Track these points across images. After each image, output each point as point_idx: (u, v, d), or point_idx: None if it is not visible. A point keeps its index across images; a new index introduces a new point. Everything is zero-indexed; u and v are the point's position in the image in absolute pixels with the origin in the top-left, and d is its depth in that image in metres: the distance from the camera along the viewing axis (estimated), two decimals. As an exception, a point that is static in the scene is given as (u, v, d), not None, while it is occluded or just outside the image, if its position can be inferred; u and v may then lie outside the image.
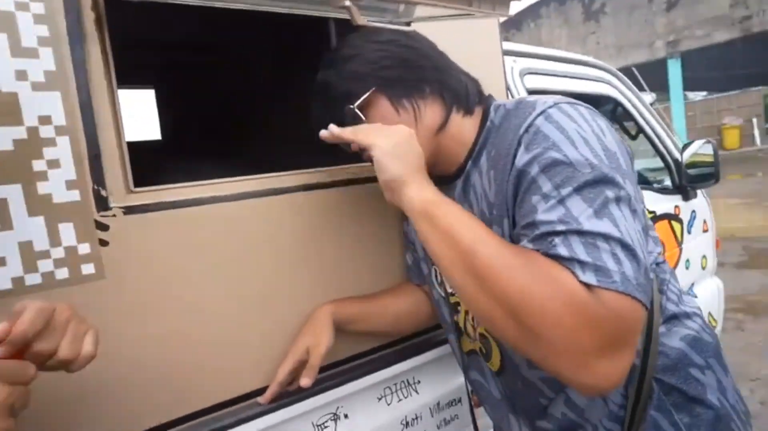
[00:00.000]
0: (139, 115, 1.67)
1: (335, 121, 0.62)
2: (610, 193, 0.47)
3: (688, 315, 0.62)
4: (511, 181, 0.53)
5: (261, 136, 1.66)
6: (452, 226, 0.50)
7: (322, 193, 0.73)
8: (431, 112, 0.60)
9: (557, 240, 0.46)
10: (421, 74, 0.60)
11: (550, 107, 0.52)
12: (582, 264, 0.44)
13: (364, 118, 0.60)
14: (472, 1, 0.50)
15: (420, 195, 0.54)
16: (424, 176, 0.56)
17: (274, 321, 0.69)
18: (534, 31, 14.31)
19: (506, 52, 1.02)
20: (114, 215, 0.57)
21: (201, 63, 1.73)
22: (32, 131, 0.52)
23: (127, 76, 1.62)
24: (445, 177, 0.65)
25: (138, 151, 1.87)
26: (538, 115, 0.52)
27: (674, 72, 12.55)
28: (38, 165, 0.53)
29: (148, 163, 1.73)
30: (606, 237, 0.45)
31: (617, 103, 1.45)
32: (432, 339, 0.84)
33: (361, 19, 0.45)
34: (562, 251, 0.45)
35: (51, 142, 0.53)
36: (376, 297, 0.75)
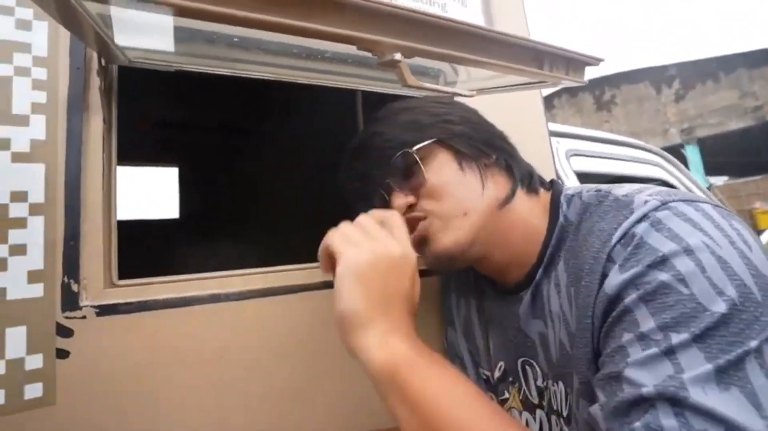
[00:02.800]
0: (160, 193, 1.64)
1: (381, 179, 0.49)
2: (753, 343, 0.29)
3: None
4: (598, 310, 0.37)
5: (284, 223, 1.58)
6: (430, 402, 0.33)
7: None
8: (497, 182, 0.49)
9: (638, 424, 0.29)
10: (488, 138, 0.50)
11: (656, 208, 0.36)
12: None
13: (423, 166, 0.47)
14: (542, 65, 0.40)
15: (386, 350, 0.36)
16: (401, 320, 0.38)
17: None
18: (548, 121, 15.05)
19: (551, 134, 0.93)
20: (84, 316, 0.44)
21: (229, 145, 1.74)
22: (0, 209, 0.42)
23: (151, 154, 1.62)
24: (509, 287, 0.50)
25: (153, 229, 1.83)
26: (640, 219, 0.36)
27: (694, 157, 12.68)
28: (-2, 251, 0.42)
29: (162, 244, 1.67)
30: (731, 428, 0.27)
31: (667, 185, 1.33)
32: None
33: (412, 79, 0.35)
34: None
35: (20, 223, 0.43)
36: None
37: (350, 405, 0.57)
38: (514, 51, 0.39)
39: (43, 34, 0.47)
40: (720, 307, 0.30)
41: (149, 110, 1.47)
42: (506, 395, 0.51)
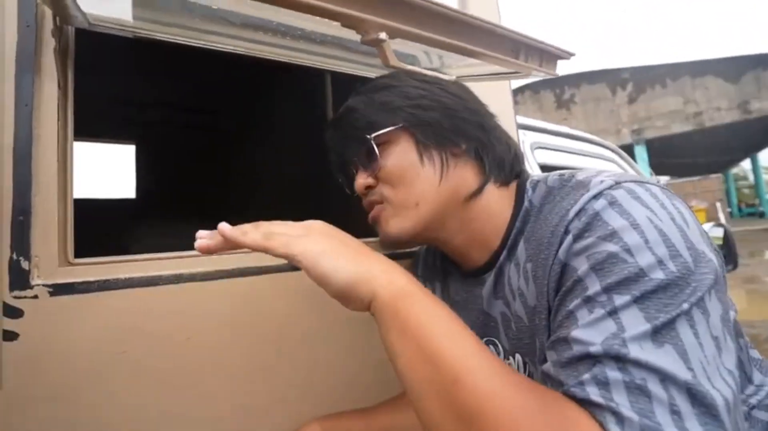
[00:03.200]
0: (117, 171, 1.54)
1: (349, 155, 0.52)
2: (686, 306, 0.33)
3: None
4: (553, 277, 0.40)
5: (247, 201, 1.54)
6: (428, 327, 0.34)
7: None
8: (462, 173, 0.49)
9: (587, 375, 0.32)
10: (461, 126, 0.49)
11: (611, 187, 0.39)
12: (619, 418, 0.29)
13: (378, 154, 0.48)
14: (518, 55, 0.41)
15: (390, 288, 0.37)
16: (387, 261, 0.39)
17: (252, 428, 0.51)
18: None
19: (518, 126, 0.96)
20: (35, 296, 0.41)
21: (190, 123, 1.66)
22: (-63, 179, 0.38)
23: (109, 130, 1.52)
24: (472, 269, 0.52)
25: (109, 209, 1.73)
26: (595, 196, 0.39)
27: (641, 156, 13.52)
28: (-65, 224, 0.38)
29: (119, 224, 1.58)
30: (664, 377, 0.30)
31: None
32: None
33: (394, 60, 0.35)
34: (593, 394, 0.31)
35: (-39, 195, 0.39)
36: (380, 410, 0.58)
37: (317, 382, 0.57)
38: (494, 39, 0.39)
39: (-14, -15, 0.42)
40: (659, 275, 0.34)
41: (108, 83, 1.37)
42: None
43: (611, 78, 14.39)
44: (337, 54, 0.62)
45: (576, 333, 0.34)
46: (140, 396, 0.46)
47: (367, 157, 0.49)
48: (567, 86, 14.51)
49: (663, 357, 0.31)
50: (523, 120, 1.10)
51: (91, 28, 0.46)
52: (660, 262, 0.34)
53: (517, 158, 0.52)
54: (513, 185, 0.51)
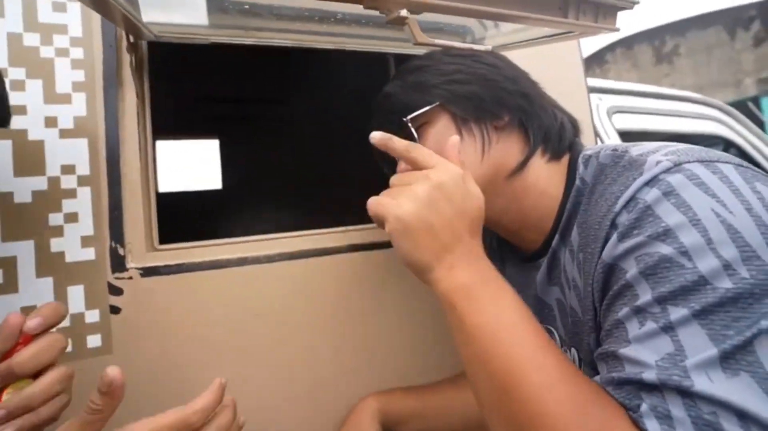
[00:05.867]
0: (203, 164, 1.72)
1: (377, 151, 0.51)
2: (765, 324, 0.27)
3: None
4: (597, 279, 0.35)
5: (329, 190, 1.62)
6: (482, 331, 0.33)
7: (374, 254, 0.61)
8: (506, 147, 0.46)
9: (645, 406, 0.28)
10: (501, 97, 0.46)
11: (667, 170, 0.32)
12: None
13: (417, 135, 0.46)
14: (567, 14, 0.37)
15: (447, 282, 0.37)
16: (458, 250, 0.37)
17: (315, 407, 0.56)
18: (600, 77, 13.95)
19: (590, 89, 0.87)
20: (130, 277, 0.49)
21: (269, 115, 1.78)
22: (53, 181, 0.47)
23: (193, 126, 1.69)
24: (528, 253, 0.49)
25: (198, 200, 1.94)
26: (648, 182, 0.33)
27: (770, 111, 11.31)
28: (55, 218, 0.47)
29: (208, 213, 1.78)
30: (743, 415, 0.25)
31: (730, 144, 1.20)
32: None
33: (422, 36, 0.34)
34: (649, 423, 0.27)
35: (71, 194, 0.48)
36: (437, 389, 0.59)
37: (379, 358, 0.60)
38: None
39: (77, 15, 0.49)
40: (725, 283, 0.28)
41: (190, 85, 1.52)
42: None
43: (730, 18, 12.09)
44: (379, 34, 0.62)
45: (626, 351, 0.30)
46: (217, 363, 0.52)
47: (409, 140, 0.49)
48: (668, 36, 12.54)
49: (738, 390, 0.26)
50: (597, 82, 0.99)
51: (159, 40, 0.51)
52: (727, 267, 0.28)
53: (565, 128, 0.47)
54: (564, 160, 0.46)
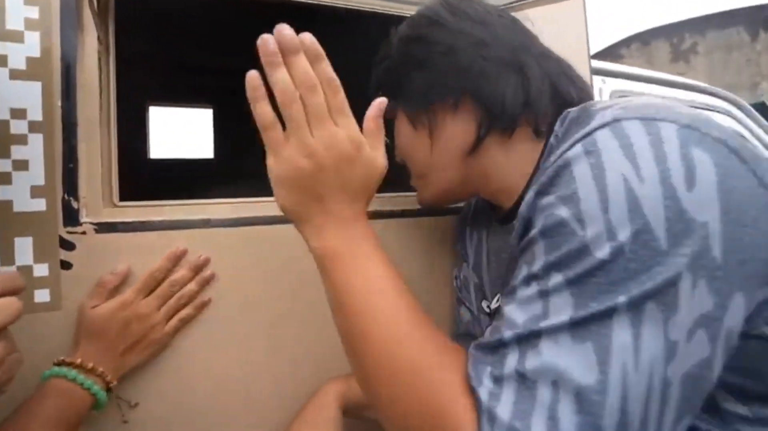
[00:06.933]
0: (196, 133, 1.69)
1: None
2: (633, 294, 0.26)
3: None
4: (517, 231, 0.34)
5: None
6: (345, 288, 0.35)
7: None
8: (459, 126, 0.43)
9: (489, 367, 0.29)
10: (436, 79, 0.42)
11: (602, 126, 0.30)
12: (491, 418, 0.27)
13: (389, 136, 0.45)
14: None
15: (317, 240, 0.36)
16: (330, 217, 0.36)
17: (275, 380, 0.54)
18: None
19: (594, 71, 0.83)
20: (83, 232, 0.47)
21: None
22: (2, 125, 0.44)
23: (187, 96, 1.65)
24: (504, 214, 0.47)
25: (190, 166, 1.91)
26: (581, 138, 0.31)
27: (784, 116, 11.07)
28: (2, 165, 0.44)
29: (199, 179, 1.75)
30: (558, 378, 0.26)
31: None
32: None
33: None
34: (484, 393, 0.28)
35: (21, 140, 0.45)
36: None
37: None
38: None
39: (33, -54, 0.46)
40: (603, 251, 0.27)
41: (184, 53, 1.48)
42: None
43: (752, 18, 11.75)
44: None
45: (508, 310, 0.30)
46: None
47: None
48: (688, 33, 12.22)
49: (570, 355, 0.26)
50: (602, 64, 0.94)
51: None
52: (611, 237, 0.27)
53: (537, 94, 0.41)
54: (521, 132, 0.42)
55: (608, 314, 0.26)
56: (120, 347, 0.45)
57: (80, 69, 0.47)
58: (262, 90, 0.34)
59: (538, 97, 0.41)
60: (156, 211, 0.51)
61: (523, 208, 0.33)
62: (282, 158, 0.35)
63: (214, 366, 0.51)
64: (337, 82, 0.35)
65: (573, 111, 0.38)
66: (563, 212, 0.29)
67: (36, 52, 0.45)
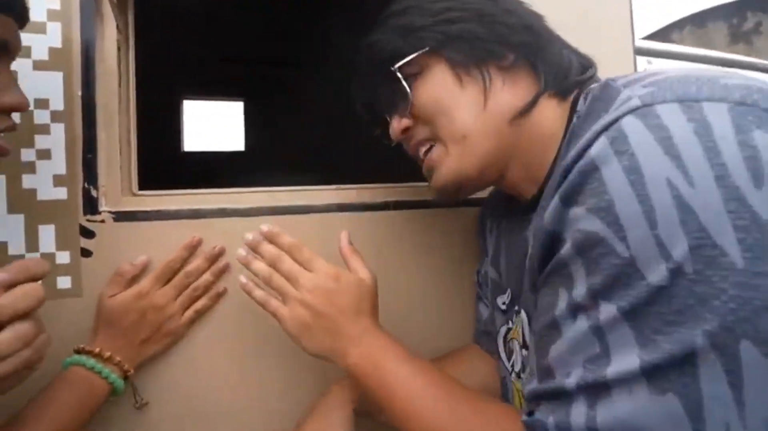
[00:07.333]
0: (227, 126, 1.72)
1: (378, 99, 0.45)
2: (707, 328, 0.21)
3: None
4: (538, 243, 0.30)
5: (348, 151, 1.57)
6: (383, 402, 0.39)
7: (362, 216, 0.56)
8: (513, 88, 0.39)
9: (551, 419, 0.27)
10: (502, 32, 0.39)
11: (632, 112, 0.25)
12: None
13: (408, 89, 0.40)
14: None
15: (344, 360, 0.41)
16: (340, 333, 0.41)
17: (293, 366, 0.53)
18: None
19: (639, 51, 0.76)
20: (102, 220, 0.47)
21: (291, 77, 1.74)
22: (26, 115, 0.45)
23: (218, 88, 1.69)
24: (520, 208, 0.43)
25: (222, 159, 1.96)
26: (605, 128, 0.26)
27: None
28: (27, 154, 0.45)
29: (229, 172, 1.79)
30: None
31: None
32: None
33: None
34: None
35: (44, 129, 0.46)
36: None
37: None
38: None
39: (54, -62, 0.46)
40: (658, 276, 0.22)
41: (215, 47, 1.51)
42: (511, 325, 0.46)
43: (825, -7, 10.60)
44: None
45: (556, 347, 0.27)
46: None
47: (397, 94, 0.42)
48: (750, 11, 11.20)
49: (655, 411, 0.22)
50: (648, 44, 0.86)
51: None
52: (667, 257, 0.22)
53: (572, 64, 0.40)
54: (570, 98, 0.38)
55: (689, 356, 0.22)
56: (137, 337, 0.45)
57: (100, 59, 0.48)
58: (250, 283, 0.45)
59: (570, 65, 0.40)
60: (174, 200, 0.51)
61: (547, 218, 0.28)
62: (288, 318, 0.41)
63: (229, 359, 0.51)
64: (297, 243, 0.43)
65: (594, 88, 0.34)
66: (598, 227, 0.24)
67: (58, 43, 0.46)
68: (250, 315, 0.52)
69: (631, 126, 0.25)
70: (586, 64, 0.41)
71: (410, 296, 0.57)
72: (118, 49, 0.50)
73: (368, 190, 0.57)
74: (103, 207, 0.47)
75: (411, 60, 0.40)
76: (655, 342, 0.22)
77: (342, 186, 0.57)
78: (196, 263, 0.49)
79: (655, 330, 0.22)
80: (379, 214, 0.56)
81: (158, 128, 1.26)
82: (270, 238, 0.44)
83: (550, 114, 0.38)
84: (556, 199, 0.28)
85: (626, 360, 0.23)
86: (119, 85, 0.50)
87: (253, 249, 0.44)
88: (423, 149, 0.43)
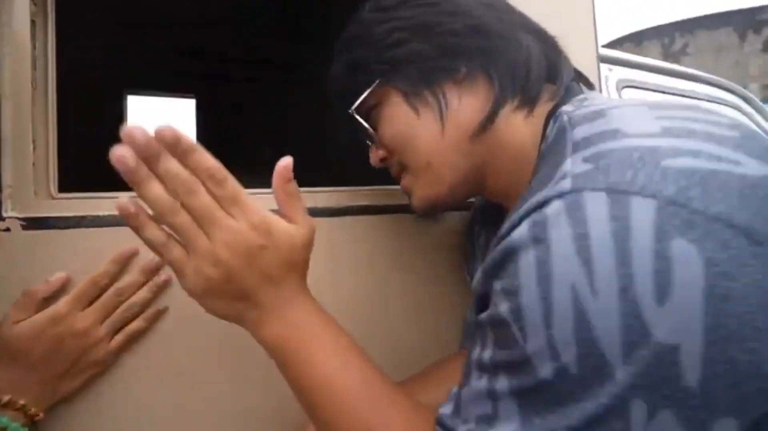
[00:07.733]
0: (179, 124, 1.60)
1: (354, 132, 0.44)
2: (580, 419, 0.23)
3: None
4: (479, 285, 0.31)
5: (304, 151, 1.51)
6: (296, 383, 0.34)
7: (325, 221, 0.51)
8: (470, 102, 0.37)
9: None
10: (450, 43, 0.37)
11: (559, 196, 0.25)
12: None
13: (369, 128, 0.41)
14: None
15: (259, 334, 0.34)
16: (256, 303, 0.33)
17: (250, 396, 0.47)
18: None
19: (601, 59, 0.77)
20: (7, 229, 0.39)
21: (247, 76, 1.65)
22: None
23: (169, 85, 1.57)
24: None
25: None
26: (535, 208, 0.26)
27: (772, 119, 11.25)
28: None
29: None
30: None
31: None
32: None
33: None
34: None
35: (-72, 117, 0.37)
36: (419, 380, 0.50)
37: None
38: None
39: None
40: (546, 371, 0.24)
41: (168, 40, 1.39)
42: None
43: (742, 21, 11.89)
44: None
45: (466, 391, 0.29)
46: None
47: (363, 131, 0.42)
48: (678, 33, 12.31)
49: None
50: (609, 52, 0.88)
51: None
52: (552, 352, 0.24)
53: (531, 62, 0.37)
54: (540, 112, 0.36)
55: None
56: (50, 371, 0.37)
57: (6, 34, 0.40)
58: (142, 214, 0.30)
59: (530, 63, 0.37)
60: (102, 204, 0.43)
61: (475, 283, 0.30)
62: (189, 275, 0.31)
63: (169, 394, 0.44)
64: (221, 170, 0.30)
65: (568, 114, 0.32)
66: (505, 311, 0.26)
67: (-52, 11, 0.38)
68: (197, 335, 0.45)
69: (555, 215, 0.24)
70: (552, 58, 0.38)
71: (403, 302, 0.53)
72: (32, 22, 0.42)
73: (326, 193, 0.52)
74: (8, 212, 0.39)
75: (366, 96, 0.39)
76: (532, 423, 0.25)
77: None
78: (129, 278, 0.41)
79: (536, 413, 0.25)
80: (362, 217, 0.52)
81: (96, 123, 1.12)
82: (176, 148, 0.28)
83: (519, 128, 0.37)
84: (481, 270, 0.29)
85: (508, 427, 0.25)
86: (33, 68, 0.42)
87: (149, 161, 0.28)
88: (400, 176, 0.44)
